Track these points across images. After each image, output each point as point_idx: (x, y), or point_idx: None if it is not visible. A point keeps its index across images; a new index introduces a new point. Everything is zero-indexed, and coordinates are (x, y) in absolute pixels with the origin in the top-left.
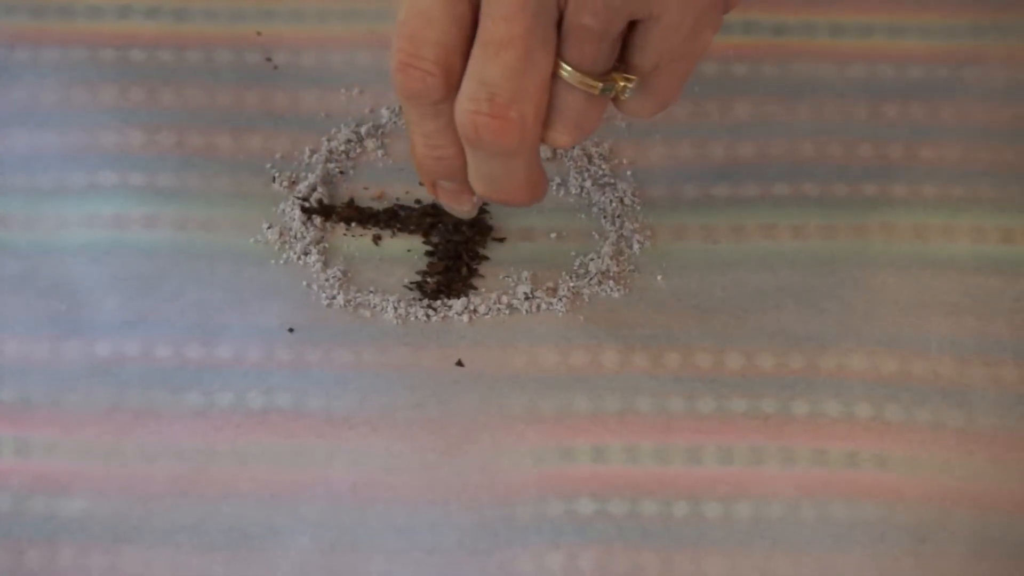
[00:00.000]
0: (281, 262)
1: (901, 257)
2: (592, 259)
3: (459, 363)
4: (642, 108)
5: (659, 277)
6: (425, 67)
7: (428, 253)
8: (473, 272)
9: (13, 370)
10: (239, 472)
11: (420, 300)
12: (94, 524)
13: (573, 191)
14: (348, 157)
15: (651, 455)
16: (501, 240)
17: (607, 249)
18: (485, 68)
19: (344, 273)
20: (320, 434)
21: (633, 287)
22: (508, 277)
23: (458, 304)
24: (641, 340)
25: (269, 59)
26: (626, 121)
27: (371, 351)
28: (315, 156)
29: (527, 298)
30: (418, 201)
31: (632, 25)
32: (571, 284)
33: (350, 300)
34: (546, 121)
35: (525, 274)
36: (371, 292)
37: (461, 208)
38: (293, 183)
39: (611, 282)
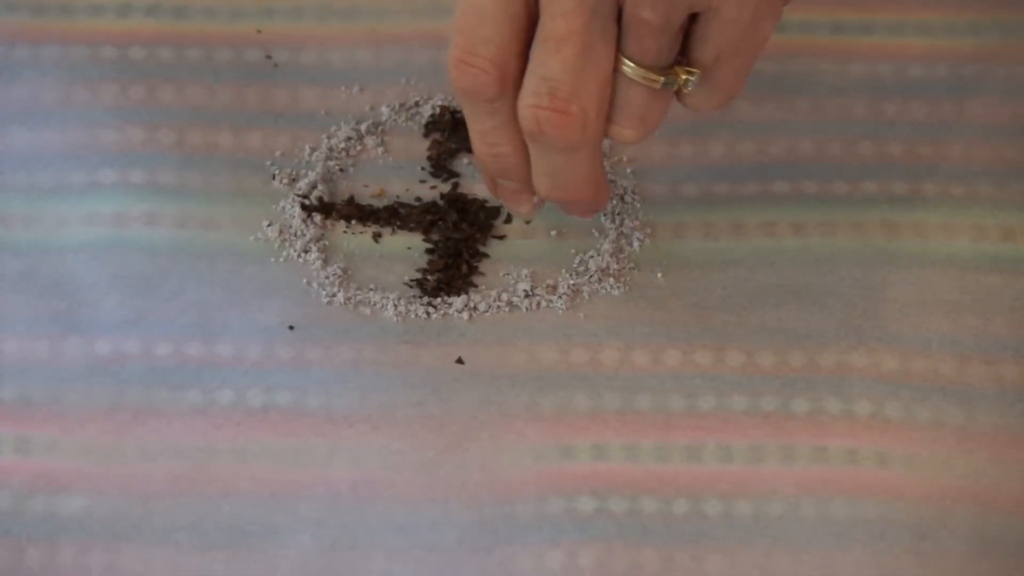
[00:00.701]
0: (281, 260)
1: (901, 255)
2: (592, 256)
3: (459, 361)
4: (706, 102)
5: (659, 275)
6: (480, 64)
7: (428, 251)
8: (473, 270)
9: (13, 368)
10: (239, 470)
11: (420, 298)
12: (94, 523)
13: None
14: (348, 155)
15: (651, 453)
16: (501, 238)
17: (607, 247)
18: (545, 64)
19: (344, 271)
20: (320, 432)
21: (633, 285)
22: (508, 275)
23: (458, 302)
24: (641, 338)
25: (269, 57)
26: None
27: (371, 349)
28: (315, 154)
29: (527, 296)
30: (418, 199)
31: (692, 18)
32: (571, 282)
33: (350, 298)
34: (610, 116)
35: (525, 272)
36: (371, 290)
37: (520, 209)
38: (293, 181)
39: (611, 280)
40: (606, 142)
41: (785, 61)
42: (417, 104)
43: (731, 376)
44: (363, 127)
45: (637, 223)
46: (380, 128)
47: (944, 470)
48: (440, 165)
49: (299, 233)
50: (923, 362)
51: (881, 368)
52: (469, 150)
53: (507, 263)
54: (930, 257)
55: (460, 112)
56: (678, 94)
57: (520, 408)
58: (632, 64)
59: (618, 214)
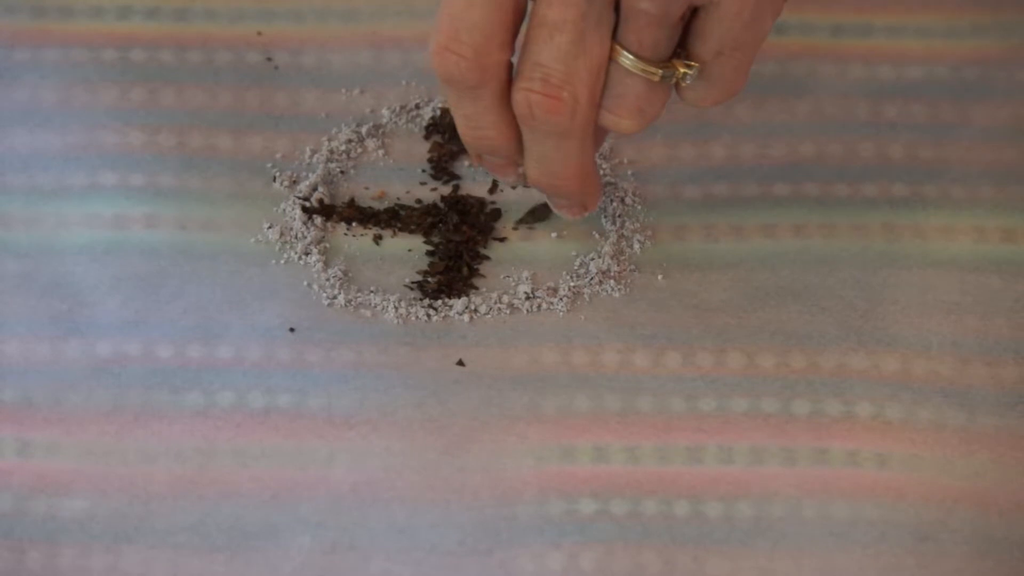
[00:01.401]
0: (282, 262)
1: (902, 257)
2: (593, 259)
3: (460, 363)
4: (705, 96)
5: (660, 276)
6: (461, 51)
7: (429, 253)
8: (474, 272)
9: (14, 370)
10: (240, 472)
11: (421, 300)
12: (95, 524)
13: None
14: (349, 157)
15: (652, 454)
16: (502, 240)
17: (608, 249)
18: (538, 50)
19: (345, 273)
20: (321, 434)
21: (634, 286)
22: (509, 277)
23: (459, 304)
24: (642, 339)
25: (270, 59)
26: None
27: (372, 351)
28: (316, 156)
29: (528, 298)
30: (419, 201)
31: (693, 12)
32: (572, 284)
33: (351, 300)
34: (608, 106)
35: (526, 274)
36: (372, 292)
37: (507, 179)
38: (294, 183)
39: (612, 281)
40: (607, 143)
41: (786, 63)
42: (418, 106)
43: (732, 378)
44: (364, 129)
45: (638, 225)
46: (381, 130)
47: (945, 471)
48: (441, 167)
49: (300, 235)
50: (924, 364)
51: (882, 370)
52: None
53: (508, 265)
54: (931, 259)
55: None
56: (676, 88)
57: (521, 410)
58: (630, 55)
59: (619, 216)
